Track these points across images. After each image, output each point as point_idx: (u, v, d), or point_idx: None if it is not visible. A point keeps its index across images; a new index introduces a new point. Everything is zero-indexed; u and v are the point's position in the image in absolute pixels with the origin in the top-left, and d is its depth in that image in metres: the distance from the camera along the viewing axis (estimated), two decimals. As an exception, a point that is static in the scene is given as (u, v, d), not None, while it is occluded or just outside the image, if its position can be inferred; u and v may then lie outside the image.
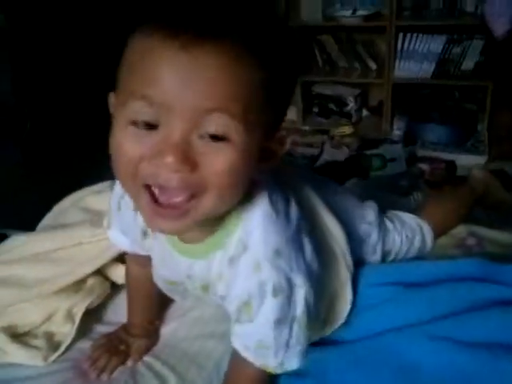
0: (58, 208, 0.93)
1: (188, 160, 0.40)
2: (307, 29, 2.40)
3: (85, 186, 0.96)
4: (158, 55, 0.39)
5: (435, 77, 2.25)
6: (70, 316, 0.70)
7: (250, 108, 0.41)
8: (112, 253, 0.72)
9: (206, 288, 0.57)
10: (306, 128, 2.47)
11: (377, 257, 0.76)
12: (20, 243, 0.77)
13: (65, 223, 0.83)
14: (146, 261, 0.64)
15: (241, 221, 0.51)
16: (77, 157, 1.93)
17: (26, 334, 0.69)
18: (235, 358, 0.58)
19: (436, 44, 2.22)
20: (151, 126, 0.40)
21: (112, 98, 0.47)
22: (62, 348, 0.67)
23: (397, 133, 2.28)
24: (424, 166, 1.94)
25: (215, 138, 0.40)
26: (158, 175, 0.41)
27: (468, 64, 2.23)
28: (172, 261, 0.57)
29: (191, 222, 0.44)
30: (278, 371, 0.55)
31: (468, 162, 2.07)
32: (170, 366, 0.67)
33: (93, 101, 2.13)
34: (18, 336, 0.68)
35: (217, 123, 0.40)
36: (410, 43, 2.24)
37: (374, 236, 0.75)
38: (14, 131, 1.66)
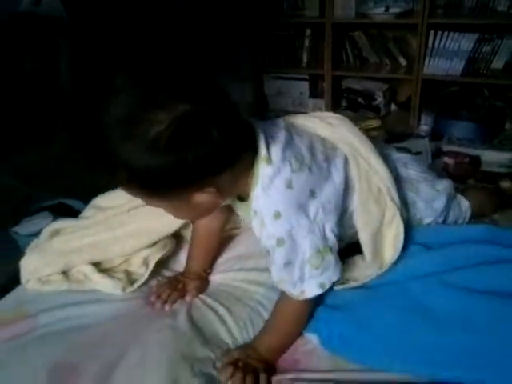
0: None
1: None
2: (340, 26, 2.54)
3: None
4: None
5: (464, 74, 2.35)
6: (145, 262, 0.89)
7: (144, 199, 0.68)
8: None
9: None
10: (335, 121, 2.62)
11: (431, 220, 0.91)
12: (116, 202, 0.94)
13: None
14: (217, 213, 0.84)
15: (253, 192, 0.70)
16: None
17: (108, 269, 0.87)
18: (280, 293, 0.76)
19: (467, 42, 2.32)
20: None
21: None
22: (137, 284, 0.86)
23: (424, 128, 2.40)
24: (448, 160, 2.05)
25: None
26: None
27: (498, 63, 2.33)
28: None
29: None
30: (301, 298, 0.72)
31: (493, 158, 2.18)
32: (219, 302, 0.83)
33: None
34: (102, 270, 0.86)
35: None
36: (440, 41, 2.35)
37: (440, 203, 0.91)
38: (66, 117, 1.87)
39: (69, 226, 0.91)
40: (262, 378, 0.70)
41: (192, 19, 2.72)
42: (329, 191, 0.73)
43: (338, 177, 0.75)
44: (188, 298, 0.85)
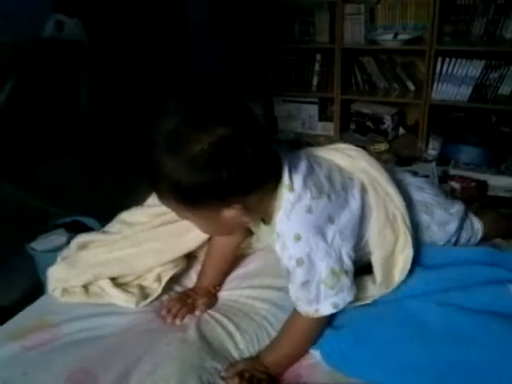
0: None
1: None
2: (350, 51, 2.63)
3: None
4: None
5: (472, 100, 2.42)
6: (158, 278, 0.95)
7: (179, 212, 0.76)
8: None
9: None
10: (343, 143, 2.70)
11: (443, 243, 0.97)
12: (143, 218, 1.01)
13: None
14: (235, 235, 0.94)
15: (276, 216, 0.77)
16: (130, 163, 2.24)
17: (123, 284, 0.94)
18: (293, 310, 0.82)
19: (474, 69, 2.40)
20: None
21: None
22: (150, 299, 0.93)
23: (432, 152, 2.46)
24: (455, 184, 2.11)
25: None
26: None
27: (505, 89, 2.39)
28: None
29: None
30: (316, 316, 0.78)
31: (500, 183, 2.23)
32: (227, 317, 0.89)
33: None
34: (118, 285, 0.93)
35: None
36: (448, 67, 2.42)
37: (453, 226, 0.97)
38: (83, 136, 1.98)
39: (97, 240, 0.98)
40: None
41: (207, 43, 2.83)
42: (346, 218, 0.79)
43: (355, 205, 0.82)
44: (197, 313, 0.91)
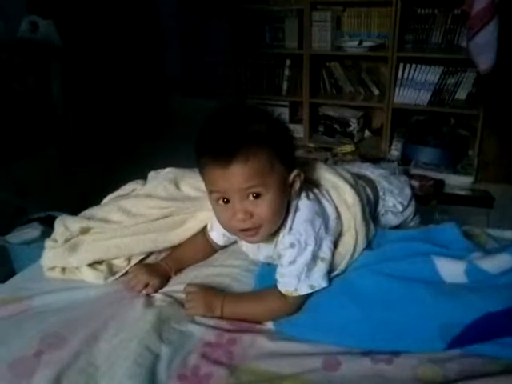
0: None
1: (247, 214, 0.87)
2: (318, 57, 2.79)
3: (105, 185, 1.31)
4: (213, 175, 0.87)
5: (431, 104, 2.61)
6: (128, 259, 1.07)
7: (266, 176, 0.86)
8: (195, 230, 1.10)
9: (270, 258, 1.02)
10: (312, 145, 2.85)
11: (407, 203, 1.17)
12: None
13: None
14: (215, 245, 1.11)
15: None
16: (103, 161, 2.34)
17: (94, 262, 1.04)
18: (273, 287, 0.94)
19: (433, 74, 2.59)
20: (227, 201, 0.88)
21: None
22: (119, 275, 1.03)
23: (394, 153, 2.63)
24: (414, 182, 2.27)
25: (256, 197, 0.87)
26: (239, 224, 0.90)
27: (461, 94, 2.59)
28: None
29: (260, 238, 0.93)
30: (294, 295, 0.91)
31: (456, 182, 2.41)
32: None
33: (126, 117, 2.53)
34: (90, 264, 1.03)
35: (252, 191, 0.87)
36: (409, 73, 2.61)
37: (408, 190, 1.18)
38: (56, 134, 2.06)
39: (98, 227, 1.07)
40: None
41: (180, 46, 2.94)
42: (326, 217, 0.95)
43: (329, 208, 0.97)
44: (145, 291, 0.99)
